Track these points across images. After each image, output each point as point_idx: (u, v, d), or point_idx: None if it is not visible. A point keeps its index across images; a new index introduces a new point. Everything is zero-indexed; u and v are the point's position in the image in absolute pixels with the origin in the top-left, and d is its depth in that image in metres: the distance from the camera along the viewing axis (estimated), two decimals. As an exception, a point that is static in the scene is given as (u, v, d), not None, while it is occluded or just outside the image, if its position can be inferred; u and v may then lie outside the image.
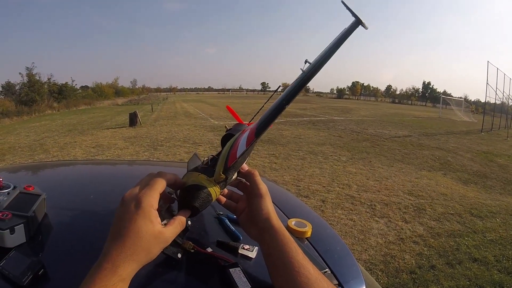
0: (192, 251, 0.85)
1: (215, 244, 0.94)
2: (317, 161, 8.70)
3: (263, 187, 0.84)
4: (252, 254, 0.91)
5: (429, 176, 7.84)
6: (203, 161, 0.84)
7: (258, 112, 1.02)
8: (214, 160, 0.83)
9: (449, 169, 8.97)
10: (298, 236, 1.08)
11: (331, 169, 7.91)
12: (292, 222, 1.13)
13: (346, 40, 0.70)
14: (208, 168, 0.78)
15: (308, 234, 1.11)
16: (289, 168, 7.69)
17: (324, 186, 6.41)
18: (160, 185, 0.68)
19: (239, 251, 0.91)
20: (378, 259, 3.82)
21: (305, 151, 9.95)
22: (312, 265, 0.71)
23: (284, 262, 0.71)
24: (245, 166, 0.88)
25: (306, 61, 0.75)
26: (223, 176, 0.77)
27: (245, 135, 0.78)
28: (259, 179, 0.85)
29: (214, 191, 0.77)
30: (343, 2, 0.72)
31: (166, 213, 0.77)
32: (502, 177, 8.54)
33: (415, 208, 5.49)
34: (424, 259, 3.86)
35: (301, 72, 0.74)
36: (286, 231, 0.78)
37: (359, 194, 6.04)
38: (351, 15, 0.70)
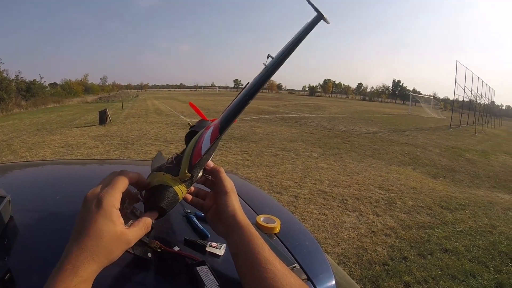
0: (159, 250, 0.84)
1: (182, 243, 0.93)
2: (289, 157, 8.71)
3: (229, 184, 0.84)
4: (220, 252, 0.90)
5: (399, 171, 7.96)
6: (167, 159, 0.83)
7: (226, 108, 1.01)
8: (178, 158, 0.82)
9: (418, 163, 9.13)
10: (266, 232, 1.08)
11: (303, 165, 7.93)
12: (260, 218, 1.14)
13: (310, 35, 0.70)
14: (173, 167, 0.78)
15: (277, 230, 1.11)
16: (261, 165, 7.67)
17: (296, 182, 6.41)
18: (122, 184, 0.66)
19: (207, 249, 0.91)
20: (351, 252, 3.83)
21: (278, 147, 9.96)
22: (279, 260, 0.71)
23: (251, 258, 0.70)
24: (210, 163, 0.88)
25: (268, 56, 0.75)
26: (188, 174, 0.76)
27: (209, 131, 0.78)
28: (224, 175, 0.86)
29: (180, 190, 0.76)
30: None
31: (131, 214, 0.74)
32: (470, 171, 8.74)
33: (386, 202, 5.55)
34: (396, 251, 3.90)
35: (263, 67, 0.73)
36: (253, 227, 0.77)
37: (331, 189, 6.06)
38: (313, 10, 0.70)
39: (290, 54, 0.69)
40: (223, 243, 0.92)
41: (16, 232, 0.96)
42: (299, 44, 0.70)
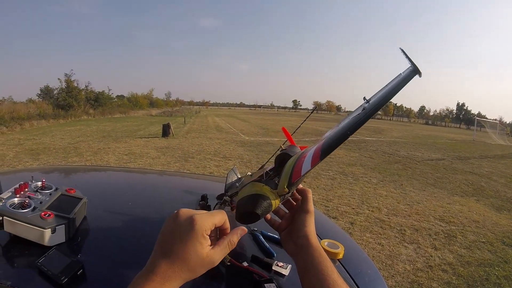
0: (228, 264, 0.88)
1: (249, 259, 0.97)
2: (347, 182, 8.65)
3: (312, 206, 0.88)
4: (286, 272, 0.92)
5: (461, 202, 7.70)
6: (256, 174, 0.91)
7: (296, 130, 1.11)
8: (268, 175, 0.90)
9: (482, 195, 8.78)
10: (330, 257, 1.06)
11: (361, 190, 7.86)
12: (325, 243, 1.16)
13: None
14: (270, 181, 0.82)
15: (340, 256, 1.12)
16: (318, 188, 7.67)
17: (353, 208, 6.37)
18: (218, 217, 0.68)
19: (273, 268, 0.93)
20: (404, 286, 3.78)
21: (335, 171, 9.92)
22: (346, 285, 0.72)
23: (319, 279, 0.72)
24: (300, 185, 0.93)
25: (364, 99, 0.86)
26: (286, 190, 0.79)
27: (309, 155, 0.81)
28: (311, 197, 0.90)
29: (275, 202, 0.80)
30: (402, 50, 0.84)
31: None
32: (537, 205, 8.32)
33: (446, 235, 5.40)
34: (452, 288, 3.80)
35: (362, 108, 0.83)
36: (322, 249, 0.80)
37: (389, 218, 5.98)
38: (408, 62, 0.80)
39: (384, 104, 0.76)
40: (289, 264, 0.94)
41: (88, 232, 1.04)
42: (394, 95, 0.77)
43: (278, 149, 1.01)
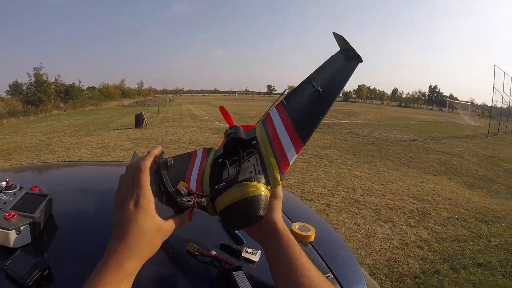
0: (197, 253, 0.88)
1: (218, 247, 0.94)
2: (322, 164, 8.70)
3: (281, 191, 0.84)
4: (255, 258, 0.91)
5: (434, 181, 7.83)
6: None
7: (264, 116, 1.04)
8: (225, 164, 0.85)
9: (454, 173, 8.95)
10: (301, 240, 1.08)
11: (336, 172, 7.90)
12: (296, 226, 1.13)
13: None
14: (258, 177, 0.75)
15: (312, 238, 1.10)
16: (293, 171, 7.64)
17: (329, 190, 6.40)
18: (147, 178, 0.71)
19: (242, 255, 0.92)
20: (382, 263, 3.81)
21: (310, 154, 9.95)
22: (315, 268, 0.71)
23: (288, 264, 0.71)
24: None
25: (309, 79, 0.98)
26: (281, 183, 0.77)
27: (286, 140, 0.81)
28: None
29: (268, 197, 0.75)
30: (335, 34, 1.03)
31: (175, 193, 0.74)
32: (508, 182, 8.49)
33: (420, 213, 5.48)
34: (428, 263, 3.85)
35: (314, 90, 0.93)
36: (291, 234, 0.78)
37: (364, 198, 6.03)
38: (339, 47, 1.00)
39: (341, 91, 0.90)
40: (259, 250, 0.93)
41: (55, 230, 0.99)
42: (346, 82, 0.90)
43: (227, 134, 0.93)
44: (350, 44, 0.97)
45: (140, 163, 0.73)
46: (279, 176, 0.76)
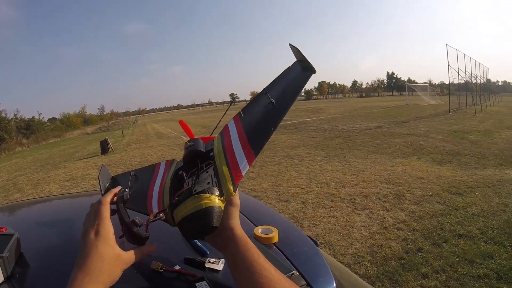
0: (161, 270, 0.90)
1: (183, 262, 0.97)
2: (293, 164, 8.68)
3: (238, 199, 0.87)
4: (219, 267, 0.94)
5: (403, 163, 7.92)
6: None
7: (217, 124, 1.19)
8: (177, 178, 0.91)
9: (422, 152, 9.09)
10: (265, 242, 1.11)
11: (307, 170, 7.90)
12: (258, 230, 1.17)
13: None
14: (211, 189, 0.77)
15: (275, 240, 1.13)
16: (266, 175, 7.64)
17: (303, 188, 6.38)
18: (107, 211, 0.76)
19: (206, 265, 0.94)
20: (365, 251, 3.79)
21: (280, 156, 9.92)
22: (274, 267, 0.74)
23: (247, 266, 0.73)
24: None
25: (265, 90, 1.04)
26: (234, 193, 0.79)
27: (239, 153, 0.85)
28: (237, 190, 0.88)
29: (222, 208, 0.78)
30: (292, 46, 1.09)
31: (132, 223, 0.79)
32: (475, 152, 8.70)
33: (394, 196, 5.52)
34: (410, 243, 3.86)
35: (268, 101, 0.98)
36: (248, 238, 0.80)
37: (338, 191, 6.04)
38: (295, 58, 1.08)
39: (294, 101, 0.97)
40: (221, 258, 0.96)
41: (27, 268, 0.99)
42: (299, 93, 0.98)
43: (186, 147, 0.99)
44: (304, 55, 1.04)
45: (101, 198, 0.79)
46: (231, 188, 0.79)
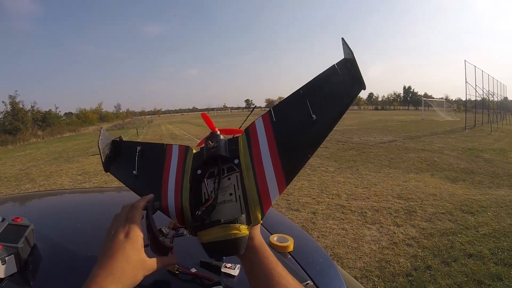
0: (177, 272, 0.91)
1: (199, 265, 0.97)
2: (305, 173, 8.63)
3: None
4: (235, 272, 0.94)
5: (417, 178, 7.86)
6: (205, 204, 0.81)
7: (242, 124, 1.13)
8: (196, 181, 0.87)
9: (436, 169, 9.01)
10: (280, 251, 1.11)
11: (319, 180, 7.88)
12: (274, 238, 1.17)
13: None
14: (241, 218, 0.75)
15: (291, 248, 1.14)
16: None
17: (313, 198, 6.37)
18: (140, 216, 0.75)
19: (222, 270, 0.94)
20: (373, 265, 3.78)
21: (292, 165, 9.87)
22: (291, 276, 0.74)
23: (265, 274, 0.73)
24: None
25: (301, 90, 0.90)
26: (261, 222, 0.79)
27: (271, 177, 0.80)
28: None
29: (248, 233, 0.77)
30: (343, 40, 0.87)
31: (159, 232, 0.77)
32: (489, 171, 8.60)
33: (406, 211, 5.48)
34: (419, 260, 3.83)
35: (311, 119, 0.84)
36: (267, 246, 0.81)
37: (349, 203, 6.01)
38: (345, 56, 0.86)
39: (339, 119, 0.83)
40: (238, 264, 0.96)
41: (40, 259, 1.01)
42: (347, 109, 0.84)
43: (208, 147, 0.91)
44: (357, 63, 0.80)
45: (134, 203, 0.78)
46: (260, 216, 0.77)
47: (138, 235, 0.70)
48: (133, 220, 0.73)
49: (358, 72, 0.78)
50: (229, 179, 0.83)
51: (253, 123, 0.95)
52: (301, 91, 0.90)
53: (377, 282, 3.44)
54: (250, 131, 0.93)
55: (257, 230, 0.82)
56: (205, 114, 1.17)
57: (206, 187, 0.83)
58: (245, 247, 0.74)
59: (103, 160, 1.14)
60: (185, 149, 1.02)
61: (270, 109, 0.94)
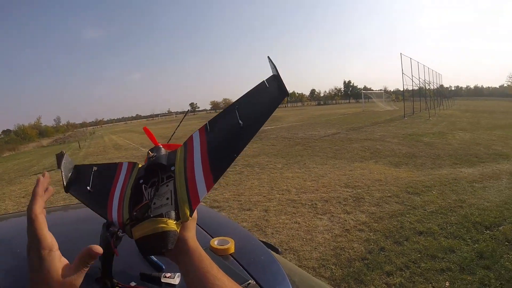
0: (117, 287, 0.89)
1: (138, 278, 0.97)
2: (254, 172, 8.67)
3: (195, 212, 0.86)
4: (175, 281, 0.95)
5: (362, 167, 8.06)
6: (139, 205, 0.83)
7: (173, 133, 1.22)
8: (137, 189, 0.88)
9: (379, 156, 9.29)
10: (221, 254, 1.12)
11: (268, 177, 7.91)
12: (214, 242, 1.17)
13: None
14: (169, 212, 0.78)
15: (232, 250, 1.15)
16: (227, 185, 7.58)
17: (264, 196, 6.37)
18: (43, 227, 0.68)
19: (162, 280, 0.95)
20: (328, 254, 3.80)
21: (241, 165, 9.87)
22: (227, 277, 0.75)
23: (200, 277, 0.73)
24: None
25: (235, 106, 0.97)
26: (190, 218, 0.79)
27: (199, 178, 0.83)
28: None
29: (178, 232, 0.78)
30: (269, 58, 1.04)
31: None
32: (430, 154, 8.96)
33: (354, 199, 5.59)
34: (372, 243, 3.91)
35: (237, 123, 0.91)
36: (202, 250, 0.81)
37: (299, 197, 6.06)
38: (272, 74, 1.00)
39: (262, 124, 0.89)
40: (177, 272, 0.97)
41: None
42: (269, 116, 0.91)
43: (149, 157, 0.97)
44: (281, 77, 0.98)
45: (29, 212, 0.68)
46: (188, 212, 0.78)
47: (49, 248, 0.65)
48: (39, 236, 0.66)
49: (283, 85, 0.94)
50: (167, 186, 0.87)
51: (191, 135, 1.01)
52: (235, 104, 1.00)
53: (334, 269, 3.46)
54: (187, 142, 0.99)
55: (191, 233, 0.83)
56: (147, 129, 1.23)
57: (146, 195, 0.86)
58: (174, 242, 0.74)
59: (65, 183, 1.14)
60: (133, 165, 1.06)
61: (206, 123, 1.02)
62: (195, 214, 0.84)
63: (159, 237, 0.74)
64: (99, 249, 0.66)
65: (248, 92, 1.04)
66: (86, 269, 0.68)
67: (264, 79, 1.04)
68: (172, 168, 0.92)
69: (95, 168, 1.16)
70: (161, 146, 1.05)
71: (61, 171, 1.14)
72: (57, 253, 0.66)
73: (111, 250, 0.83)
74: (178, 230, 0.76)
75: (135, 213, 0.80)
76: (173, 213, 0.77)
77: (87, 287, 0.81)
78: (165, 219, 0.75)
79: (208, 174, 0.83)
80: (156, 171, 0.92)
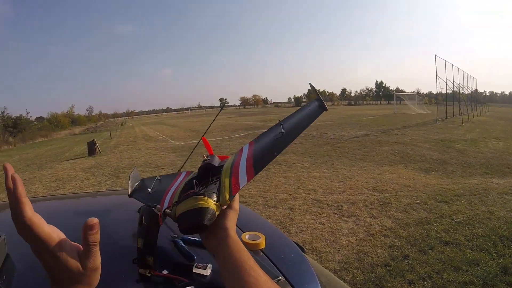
0: (149, 275, 0.92)
1: (171, 266, 0.99)
2: (281, 170, 8.66)
3: (237, 204, 0.93)
4: (206, 272, 0.96)
5: (391, 170, 7.96)
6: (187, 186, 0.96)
7: (207, 129, 1.34)
8: (197, 185, 0.96)
9: (409, 160, 9.15)
10: (252, 248, 1.14)
11: (295, 176, 7.89)
12: (245, 236, 1.20)
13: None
14: (211, 193, 0.86)
15: (262, 246, 1.16)
16: (254, 181, 7.52)
17: (290, 194, 6.38)
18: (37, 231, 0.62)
19: (194, 270, 0.96)
20: (351, 257, 3.79)
21: (268, 162, 9.87)
22: (263, 271, 0.75)
23: (237, 265, 0.74)
24: None
25: (279, 121, 1.12)
26: (228, 202, 0.85)
27: (242, 169, 0.91)
28: (238, 196, 0.95)
29: (217, 212, 0.84)
30: (311, 85, 1.30)
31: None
32: (461, 161, 8.78)
33: (381, 203, 5.53)
34: (396, 250, 3.86)
35: (279, 130, 1.06)
36: (240, 241, 0.82)
37: (325, 197, 6.04)
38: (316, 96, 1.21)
39: (300, 133, 1.07)
40: (209, 264, 0.98)
41: (13, 270, 0.99)
42: (307, 127, 1.09)
43: (203, 160, 1.07)
44: (320, 96, 1.20)
45: (21, 219, 0.61)
46: (228, 196, 0.85)
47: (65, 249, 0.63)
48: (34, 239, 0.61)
49: (323, 103, 1.16)
50: (215, 184, 0.93)
51: (242, 147, 1.10)
52: (279, 122, 1.13)
53: (356, 273, 3.45)
54: (238, 153, 1.06)
55: (233, 223, 0.86)
56: (205, 140, 1.38)
57: (197, 189, 0.92)
58: (210, 220, 0.79)
59: (130, 191, 1.29)
60: (191, 172, 1.19)
61: (256, 137, 1.13)
62: (236, 206, 0.92)
63: (198, 212, 0.79)
64: (93, 220, 0.61)
65: (293, 113, 1.20)
66: (97, 246, 0.62)
67: (308, 103, 1.26)
68: (221, 169, 0.99)
69: (158, 177, 1.32)
70: (216, 155, 1.13)
71: (129, 181, 1.29)
72: (67, 243, 0.63)
73: (152, 227, 0.93)
74: (216, 211, 0.82)
75: (182, 196, 0.87)
76: (214, 195, 0.85)
77: (125, 266, 0.88)
78: (205, 198, 0.82)
79: (250, 168, 0.91)
80: (208, 173, 1.01)
